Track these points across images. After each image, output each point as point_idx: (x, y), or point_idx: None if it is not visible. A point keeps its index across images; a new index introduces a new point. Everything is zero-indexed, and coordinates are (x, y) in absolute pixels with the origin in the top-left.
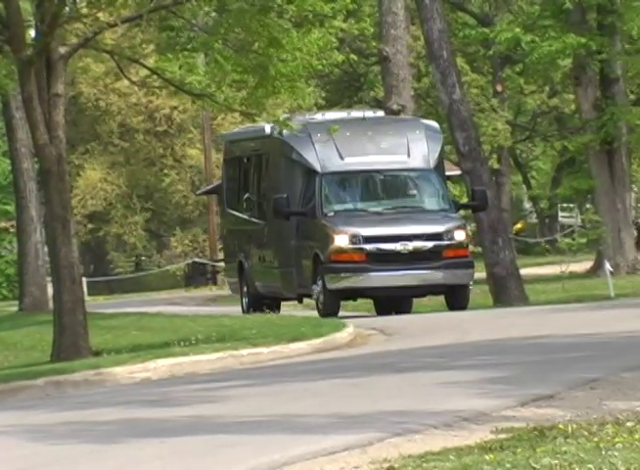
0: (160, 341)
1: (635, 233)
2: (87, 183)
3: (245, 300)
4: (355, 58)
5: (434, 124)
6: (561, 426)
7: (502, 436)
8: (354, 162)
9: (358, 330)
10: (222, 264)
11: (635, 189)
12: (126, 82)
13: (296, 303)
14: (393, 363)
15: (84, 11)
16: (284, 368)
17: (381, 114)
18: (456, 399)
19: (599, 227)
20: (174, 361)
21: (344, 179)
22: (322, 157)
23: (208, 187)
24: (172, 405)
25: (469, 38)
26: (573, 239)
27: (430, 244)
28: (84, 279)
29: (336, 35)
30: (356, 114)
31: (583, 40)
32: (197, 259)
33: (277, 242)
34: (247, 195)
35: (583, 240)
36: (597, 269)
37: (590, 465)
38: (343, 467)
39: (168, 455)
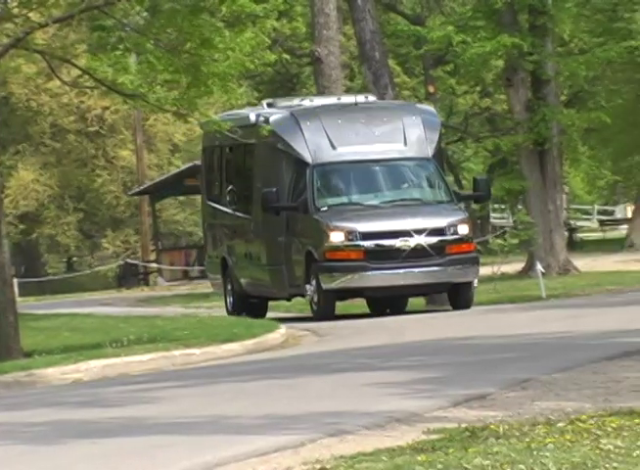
0: (91, 342)
1: (566, 234)
2: (19, 184)
3: (229, 299)
4: (288, 58)
5: (431, 109)
6: (492, 426)
7: (434, 436)
8: (348, 151)
9: (291, 331)
10: (154, 265)
11: (566, 190)
12: (58, 82)
13: (281, 302)
14: (326, 364)
15: (15, 11)
16: (216, 369)
17: (373, 98)
18: (388, 399)
19: (530, 228)
20: (106, 362)
21: (338, 171)
22: (313, 147)
23: (141, 187)
24: (104, 406)
25: (401, 35)
26: (505, 240)
27: (432, 239)
28: (15, 280)
29: (268, 35)
30: (347, 99)
31: (515, 41)
32: (129, 260)
33: (265, 238)
34: (230, 187)
35: (515, 241)
36: (528, 270)
37: (521, 465)
38: (276, 468)
39: (100, 456)
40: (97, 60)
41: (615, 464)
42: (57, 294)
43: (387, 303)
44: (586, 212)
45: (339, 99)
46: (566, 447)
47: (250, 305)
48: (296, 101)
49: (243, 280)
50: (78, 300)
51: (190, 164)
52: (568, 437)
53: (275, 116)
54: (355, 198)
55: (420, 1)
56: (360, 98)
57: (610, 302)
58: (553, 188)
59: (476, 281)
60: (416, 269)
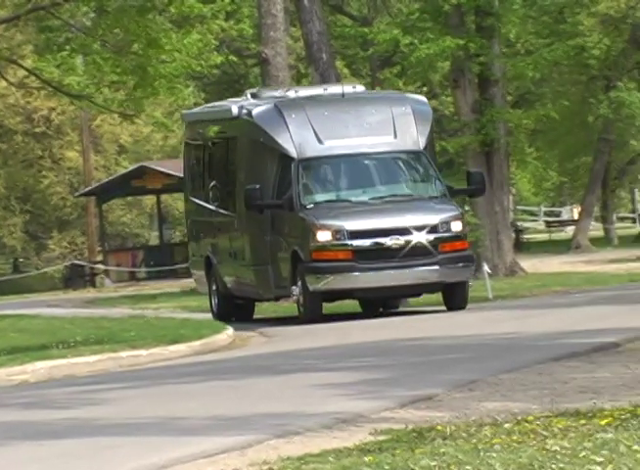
0: (38, 343)
1: (513, 235)
2: None
3: (214, 300)
4: (235, 59)
5: (422, 99)
6: (439, 427)
7: (381, 437)
8: (335, 145)
9: (238, 332)
10: (100, 266)
11: (513, 191)
12: (4, 83)
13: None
14: (273, 365)
15: None
16: (163, 370)
17: (361, 88)
18: (335, 400)
19: (477, 230)
20: (53, 364)
21: (324, 165)
22: (298, 140)
23: (88, 189)
24: (51, 408)
25: (348, 37)
26: None
27: (424, 237)
28: None
29: (215, 36)
30: (334, 89)
31: (462, 42)
32: (75, 262)
33: (250, 237)
34: (213, 183)
35: None
36: (475, 271)
37: (468, 467)
38: (223, 469)
39: (47, 458)
40: (44, 61)
41: (561, 465)
42: (3, 295)
43: (379, 302)
44: (533, 214)
45: (325, 89)
46: (512, 448)
47: (235, 307)
48: (279, 92)
49: (227, 280)
50: (25, 301)
51: (137, 166)
52: (514, 437)
53: (258, 108)
54: (343, 194)
55: (367, 2)
56: (348, 88)
57: (556, 303)
58: (500, 189)
59: (471, 280)
60: (407, 269)
